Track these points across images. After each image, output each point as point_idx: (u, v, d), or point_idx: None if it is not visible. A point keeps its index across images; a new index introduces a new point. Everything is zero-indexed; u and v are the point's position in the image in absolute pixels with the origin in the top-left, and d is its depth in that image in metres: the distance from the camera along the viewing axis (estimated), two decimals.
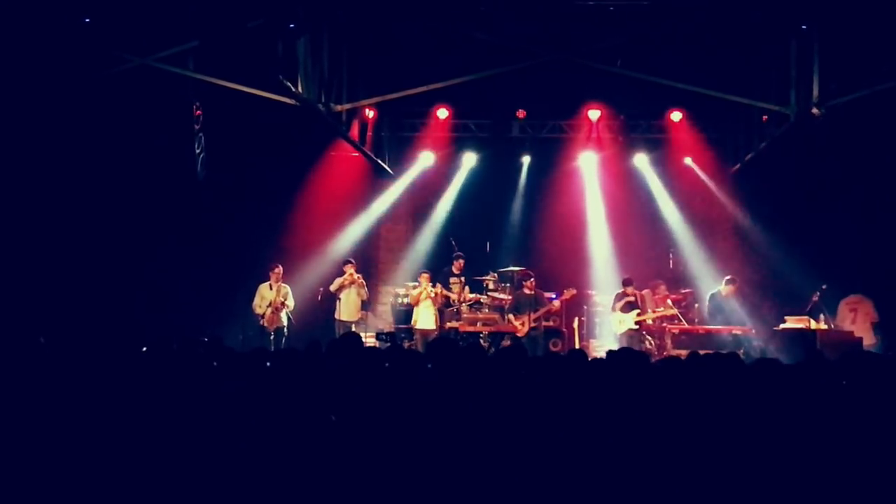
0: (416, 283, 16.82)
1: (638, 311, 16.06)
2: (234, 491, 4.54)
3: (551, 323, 16.53)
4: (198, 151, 14.50)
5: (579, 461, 4.69)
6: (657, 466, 4.68)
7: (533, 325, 16.12)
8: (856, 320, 15.36)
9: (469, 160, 19.38)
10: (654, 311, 16.28)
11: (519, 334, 16.10)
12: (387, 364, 6.56)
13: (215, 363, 6.59)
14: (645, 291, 16.62)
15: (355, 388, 5.65)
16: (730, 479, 4.64)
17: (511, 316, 16.36)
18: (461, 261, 17.10)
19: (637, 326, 16.04)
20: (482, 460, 4.61)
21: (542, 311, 16.14)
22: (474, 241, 18.29)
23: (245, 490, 4.54)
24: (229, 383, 5.90)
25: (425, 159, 19.30)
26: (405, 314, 17.36)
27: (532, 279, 16.39)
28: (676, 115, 18.11)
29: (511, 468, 4.59)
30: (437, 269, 17.21)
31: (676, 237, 18.87)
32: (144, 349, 7.06)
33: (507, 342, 15.88)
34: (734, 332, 15.85)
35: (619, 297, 16.34)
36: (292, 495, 4.53)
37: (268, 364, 6.63)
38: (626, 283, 16.40)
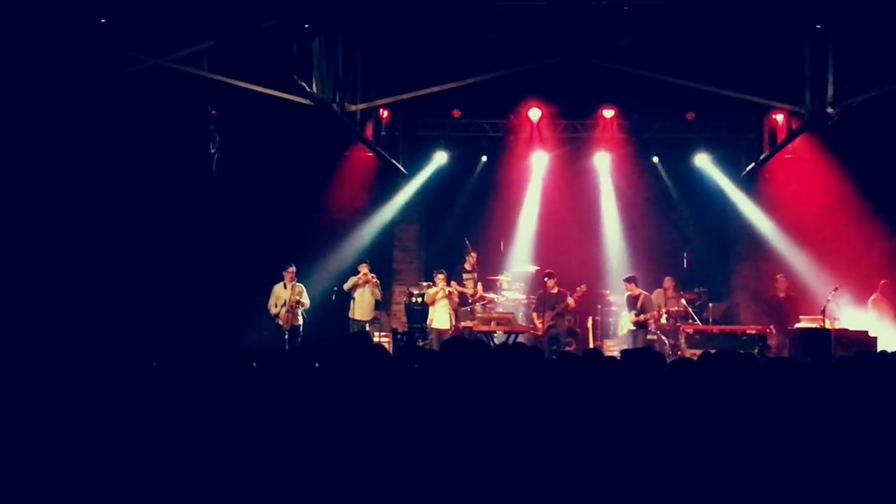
0: (432, 283, 16.86)
1: (636, 310, 16.09)
2: (238, 491, 4.58)
3: (566, 322, 16.54)
4: (213, 151, 14.57)
5: (590, 461, 4.70)
6: (668, 466, 4.69)
7: (552, 322, 16.15)
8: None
9: (482, 160, 19.39)
10: (665, 310, 16.28)
11: (538, 332, 16.13)
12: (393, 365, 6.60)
13: (227, 364, 6.61)
14: (657, 291, 16.62)
15: (362, 388, 5.67)
16: (742, 480, 4.64)
17: (534, 315, 16.41)
18: (473, 256, 17.14)
19: (634, 327, 16.06)
20: (490, 461, 4.63)
21: (559, 307, 16.16)
22: (488, 241, 18.30)
23: (247, 490, 4.57)
24: (239, 383, 5.93)
25: (439, 159, 19.32)
26: (419, 314, 17.39)
27: (554, 278, 16.41)
28: (690, 115, 18.06)
29: (519, 469, 4.61)
30: (451, 268, 17.23)
31: (691, 237, 18.84)
32: (154, 361, 7.06)
33: (520, 340, 15.89)
34: (749, 331, 15.83)
35: (627, 297, 16.42)
36: (291, 495, 4.56)
37: (255, 364, 6.64)
38: (626, 280, 16.47)
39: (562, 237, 18.78)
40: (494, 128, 19.05)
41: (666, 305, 16.53)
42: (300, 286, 16.18)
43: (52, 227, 14.00)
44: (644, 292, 16.27)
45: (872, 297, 16.12)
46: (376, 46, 15.39)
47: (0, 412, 5.22)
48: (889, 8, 12.39)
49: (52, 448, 4.83)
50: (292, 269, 16.17)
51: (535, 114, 18.04)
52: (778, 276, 17.02)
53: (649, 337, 16.15)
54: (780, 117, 16.21)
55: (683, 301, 16.55)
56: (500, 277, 17.60)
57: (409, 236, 19.96)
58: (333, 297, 17.00)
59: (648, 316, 16.03)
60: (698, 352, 11.21)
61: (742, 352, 9.28)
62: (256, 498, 4.58)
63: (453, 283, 16.67)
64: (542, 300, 16.46)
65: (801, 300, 16.78)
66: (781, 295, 16.74)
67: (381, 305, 17.57)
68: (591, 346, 16.82)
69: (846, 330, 14.90)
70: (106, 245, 14.78)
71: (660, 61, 14.50)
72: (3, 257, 13.32)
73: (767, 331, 15.87)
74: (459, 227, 18.88)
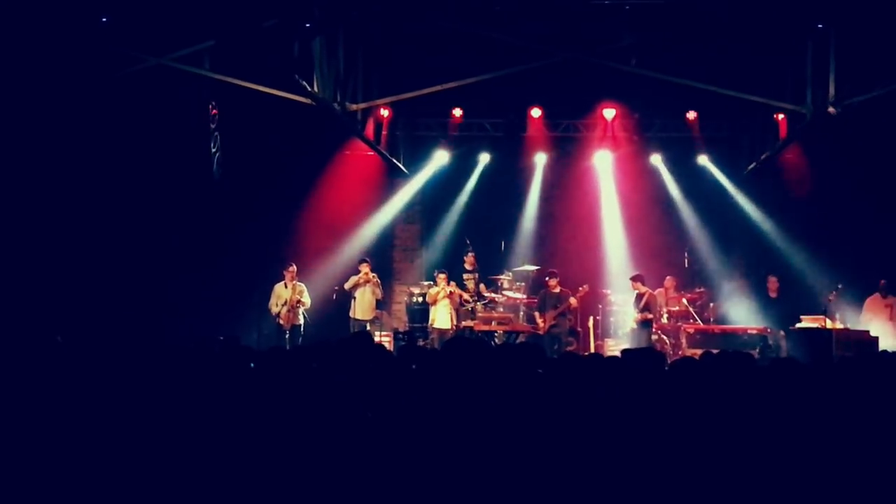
0: (433, 282, 16.84)
1: (638, 308, 16.10)
2: (239, 490, 4.57)
3: (568, 322, 16.52)
4: (214, 151, 14.56)
5: (591, 460, 4.69)
6: (670, 465, 4.68)
7: (553, 322, 16.11)
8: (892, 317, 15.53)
9: (483, 159, 19.38)
10: (666, 310, 16.29)
11: (540, 332, 16.11)
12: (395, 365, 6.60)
13: (229, 363, 6.62)
14: (658, 290, 16.60)
15: (364, 388, 5.67)
16: (744, 479, 4.64)
17: (537, 314, 16.39)
18: (472, 255, 17.15)
19: (635, 325, 16.06)
20: (492, 459, 4.62)
21: (561, 307, 16.13)
22: (489, 241, 18.29)
23: (249, 488, 4.57)
24: (240, 382, 5.93)
25: (440, 158, 19.31)
26: (420, 313, 17.37)
27: (557, 277, 16.38)
28: (692, 114, 18.04)
29: (521, 468, 4.60)
30: (452, 267, 17.22)
31: (692, 236, 18.82)
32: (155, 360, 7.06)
33: (521, 339, 15.90)
34: (750, 331, 15.82)
35: (636, 296, 16.39)
36: (292, 494, 4.56)
37: (256, 363, 6.65)
38: (632, 278, 16.46)
39: (563, 237, 18.80)
40: (495, 127, 19.02)
41: (667, 305, 16.53)
42: (301, 285, 16.17)
43: (54, 226, 14.01)
44: (650, 290, 16.22)
45: (869, 298, 16.10)
46: (377, 46, 15.39)
47: (1, 410, 5.23)
48: (890, 8, 12.39)
49: (53, 446, 4.83)
50: (293, 268, 16.16)
51: (536, 113, 18.05)
52: (770, 276, 16.99)
53: (653, 337, 16.12)
54: (781, 117, 16.18)
55: (684, 301, 16.54)
56: (501, 277, 17.58)
57: (409, 236, 19.95)
58: (334, 297, 16.98)
59: (649, 314, 15.99)
60: (699, 352, 11.23)
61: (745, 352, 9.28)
62: (258, 497, 4.57)
63: (453, 283, 16.65)
64: (544, 299, 16.42)
65: (793, 300, 16.75)
66: (773, 295, 16.71)
67: (382, 305, 17.55)
68: (593, 345, 16.84)
69: (847, 330, 14.87)
70: (107, 243, 14.79)
71: (661, 61, 14.50)
72: (8, 256, 13.34)
73: (769, 331, 15.86)
74: (460, 226, 18.89)
